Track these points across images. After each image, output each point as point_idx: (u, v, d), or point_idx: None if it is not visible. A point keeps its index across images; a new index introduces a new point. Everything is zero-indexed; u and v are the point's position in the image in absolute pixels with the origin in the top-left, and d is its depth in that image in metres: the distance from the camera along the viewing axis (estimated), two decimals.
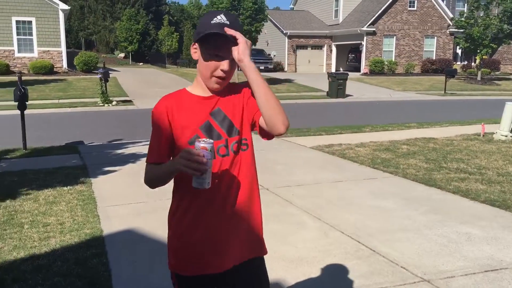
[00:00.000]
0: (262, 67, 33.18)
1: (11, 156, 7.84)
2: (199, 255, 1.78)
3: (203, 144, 1.59)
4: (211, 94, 1.81)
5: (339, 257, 3.77)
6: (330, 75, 20.74)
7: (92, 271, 3.46)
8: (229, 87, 1.84)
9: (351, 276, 3.44)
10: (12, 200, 5.25)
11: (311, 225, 4.51)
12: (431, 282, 3.36)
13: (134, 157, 7.58)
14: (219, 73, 1.73)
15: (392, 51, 33.10)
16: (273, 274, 3.46)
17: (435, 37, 33.91)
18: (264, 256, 1.95)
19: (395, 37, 33.01)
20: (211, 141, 1.62)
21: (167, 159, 1.81)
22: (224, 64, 1.72)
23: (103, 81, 16.46)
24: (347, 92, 20.59)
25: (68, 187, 5.78)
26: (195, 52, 1.78)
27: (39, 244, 3.99)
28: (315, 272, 3.52)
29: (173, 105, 1.79)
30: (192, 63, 41.08)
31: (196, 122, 1.77)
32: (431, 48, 33.96)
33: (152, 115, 1.82)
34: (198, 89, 1.82)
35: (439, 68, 32.10)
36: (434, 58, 33.56)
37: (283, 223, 4.56)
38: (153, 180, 1.81)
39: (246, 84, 1.82)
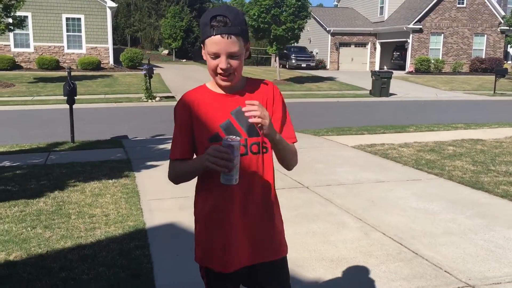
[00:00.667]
0: (304, 65, 33.04)
1: (60, 148, 8.14)
2: (223, 251, 1.81)
3: (229, 141, 1.62)
4: (233, 92, 1.82)
5: (380, 258, 3.70)
6: (373, 73, 20.40)
7: (135, 263, 3.55)
8: (253, 85, 1.87)
9: (392, 278, 3.37)
10: (60, 191, 5.45)
11: (352, 225, 4.45)
12: None
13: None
14: (219, 71, 1.75)
15: (439, 49, 32.17)
16: (313, 273, 3.45)
17: (485, 35, 32.72)
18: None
19: (442, 35, 32.07)
20: (238, 138, 1.64)
21: (190, 155, 1.84)
22: (222, 62, 1.73)
23: (148, 77, 16.83)
24: (391, 91, 20.19)
25: (113, 180, 5.94)
26: (204, 53, 1.79)
27: (85, 235, 4.12)
28: (355, 273, 3.47)
29: (195, 102, 1.82)
30: None
31: (217, 120, 1.78)
32: (480, 46, 32.79)
33: (175, 111, 1.85)
34: (218, 87, 1.84)
35: (488, 67, 30.96)
36: (483, 57, 32.40)
37: (324, 222, 4.52)
38: (178, 177, 1.85)
39: (272, 86, 1.87)
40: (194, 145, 1.83)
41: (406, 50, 32.36)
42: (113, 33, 30.02)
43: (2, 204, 4.93)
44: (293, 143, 1.87)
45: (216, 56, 1.73)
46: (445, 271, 3.50)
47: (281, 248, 1.94)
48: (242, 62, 1.78)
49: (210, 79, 1.87)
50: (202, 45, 1.79)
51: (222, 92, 1.82)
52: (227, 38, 1.69)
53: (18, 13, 19.32)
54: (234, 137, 1.65)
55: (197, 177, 1.87)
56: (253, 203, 1.82)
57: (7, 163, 6.89)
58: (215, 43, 1.70)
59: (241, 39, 1.74)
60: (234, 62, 1.73)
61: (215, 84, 1.83)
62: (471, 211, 4.87)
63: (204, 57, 1.79)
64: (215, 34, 1.69)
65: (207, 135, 1.78)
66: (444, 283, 3.32)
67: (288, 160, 1.85)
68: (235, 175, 1.66)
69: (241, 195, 1.80)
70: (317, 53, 36.36)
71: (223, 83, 1.78)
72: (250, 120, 1.62)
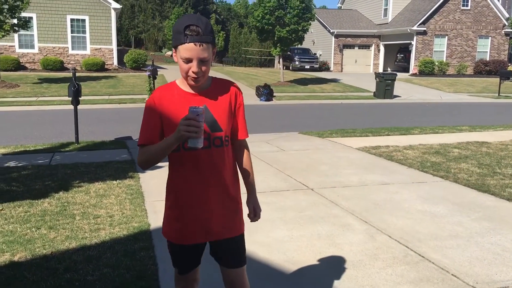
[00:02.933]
0: (307, 67, 33.02)
1: (64, 149, 8.14)
2: (184, 227, 2.12)
3: (195, 109, 1.85)
4: (199, 90, 2.07)
5: (386, 262, 3.67)
6: (377, 75, 20.35)
7: (139, 264, 3.53)
8: (218, 84, 2.13)
9: (398, 281, 3.35)
10: (65, 191, 5.44)
11: (357, 228, 4.42)
12: None
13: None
14: (191, 74, 1.97)
15: (443, 51, 32.11)
16: (318, 276, 3.43)
17: (489, 38, 32.64)
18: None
19: (446, 37, 32.01)
20: (201, 107, 1.86)
21: (157, 141, 2.04)
22: (193, 66, 1.95)
23: (152, 78, 16.80)
24: (395, 93, 20.15)
25: (117, 181, 5.93)
26: (175, 56, 2.02)
27: (90, 236, 4.11)
28: (361, 276, 3.45)
29: (165, 98, 2.06)
30: (237, 62, 41.38)
31: (183, 116, 1.93)
32: (484, 48, 32.72)
33: (146, 104, 2.10)
34: (187, 86, 2.08)
35: (493, 69, 30.89)
36: (487, 59, 32.32)
37: (329, 224, 4.50)
38: (148, 160, 2.03)
39: (234, 88, 2.15)
40: (162, 134, 2.05)
41: (410, 52, 32.31)
42: (117, 34, 30.06)
43: (7, 205, 4.93)
44: (245, 138, 2.22)
45: (188, 60, 1.95)
46: (452, 274, 3.47)
47: (240, 226, 2.23)
48: (209, 67, 2.02)
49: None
50: (173, 49, 2.00)
51: (190, 90, 2.07)
52: (199, 46, 1.92)
53: (23, 14, 19.36)
54: (198, 107, 1.86)
55: (169, 165, 2.14)
56: (218, 189, 2.09)
57: (12, 164, 6.89)
58: (188, 49, 1.93)
59: (211, 46, 1.97)
60: (204, 67, 1.97)
61: (184, 82, 2.07)
62: (477, 214, 4.84)
63: (176, 60, 2.01)
64: (189, 42, 1.92)
65: (174, 128, 1.94)
66: (451, 286, 3.29)
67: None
68: (200, 138, 1.87)
69: (204, 182, 2.07)
70: (320, 54, 36.35)
71: (193, 83, 2.03)
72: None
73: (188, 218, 2.10)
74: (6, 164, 6.84)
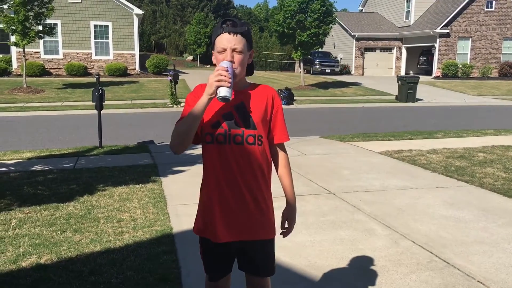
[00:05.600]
0: (328, 70, 32.88)
1: (88, 153, 8.28)
2: (212, 223, 2.09)
3: (223, 63, 1.93)
4: (237, 89, 2.05)
5: (410, 267, 3.63)
6: (399, 78, 20.15)
7: (163, 268, 3.56)
8: (255, 87, 2.14)
9: None
10: (89, 195, 5.53)
11: (380, 233, 4.38)
12: None
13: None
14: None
15: (467, 53, 31.60)
16: (341, 281, 3.40)
17: None
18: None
19: (470, 39, 31.49)
20: (229, 62, 1.95)
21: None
22: (227, 55, 1.97)
23: (173, 83, 16.99)
24: (417, 96, 19.92)
25: (140, 184, 6.00)
26: (214, 59, 2.06)
27: (114, 239, 4.16)
28: (385, 282, 3.41)
29: (203, 92, 2.03)
30: (258, 66, 41.47)
31: (220, 110, 2.04)
32: (509, 51, 32.07)
33: (187, 97, 2.12)
34: None
35: None
36: None
37: (352, 229, 4.47)
38: (180, 134, 1.99)
39: (272, 90, 2.16)
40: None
41: (432, 55, 31.90)
42: (139, 40, 30.46)
43: (33, 208, 5.03)
44: (286, 141, 2.22)
45: (223, 50, 1.99)
46: (478, 281, 3.41)
47: (268, 230, 2.16)
48: (245, 64, 2.05)
49: None
50: (213, 51, 2.07)
51: None
52: (234, 35, 1.98)
53: (48, 21, 19.80)
54: (226, 61, 1.95)
55: (203, 161, 2.17)
56: (245, 187, 2.06)
57: (38, 167, 7.04)
58: (223, 39, 1.99)
59: (246, 42, 2.02)
60: (237, 57, 1.99)
61: None
62: (503, 220, 4.74)
63: (214, 61, 2.04)
64: (224, 32, 1.99)
65: (211, 121, 2.04)
66: None
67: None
68: (230, 89, 1.89)
69: (235, 178, 2.05)
70: (341, 58, 36.17)
71: None
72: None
73: (215, 215, 2.08)
74: (32, 168, 6.99)
